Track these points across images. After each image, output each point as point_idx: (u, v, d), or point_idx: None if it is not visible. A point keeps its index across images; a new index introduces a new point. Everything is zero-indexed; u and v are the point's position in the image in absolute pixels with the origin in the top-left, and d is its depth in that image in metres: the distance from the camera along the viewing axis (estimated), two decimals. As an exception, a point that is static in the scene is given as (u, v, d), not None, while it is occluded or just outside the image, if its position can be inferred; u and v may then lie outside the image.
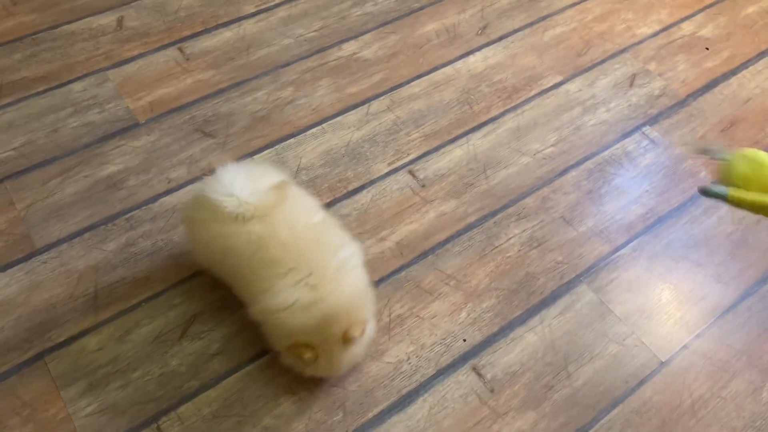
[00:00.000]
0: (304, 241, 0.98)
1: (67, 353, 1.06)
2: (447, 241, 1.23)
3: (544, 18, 1.64)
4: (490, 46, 1.57)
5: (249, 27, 1.56)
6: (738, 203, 0.84)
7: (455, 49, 1.55)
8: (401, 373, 1.08)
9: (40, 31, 1.51)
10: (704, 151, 0.93)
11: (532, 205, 1.29)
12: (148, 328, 1.09)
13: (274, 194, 1.00)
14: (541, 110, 1.45)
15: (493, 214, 1.27)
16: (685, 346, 1.13)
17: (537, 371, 1.09)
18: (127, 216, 1.22)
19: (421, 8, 1.63)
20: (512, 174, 1.34)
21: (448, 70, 1.51)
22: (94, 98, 1.40)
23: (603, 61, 1.56)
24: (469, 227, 1.25)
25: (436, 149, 1.36)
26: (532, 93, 1.48)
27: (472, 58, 1.54)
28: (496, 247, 1.23)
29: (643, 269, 1.22)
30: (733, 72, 1.56)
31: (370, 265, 1.16)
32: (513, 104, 1.45)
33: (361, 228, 1.23)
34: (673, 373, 1.10)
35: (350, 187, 1.29)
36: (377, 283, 1.16)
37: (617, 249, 1.24)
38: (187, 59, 1.48)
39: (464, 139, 1.38)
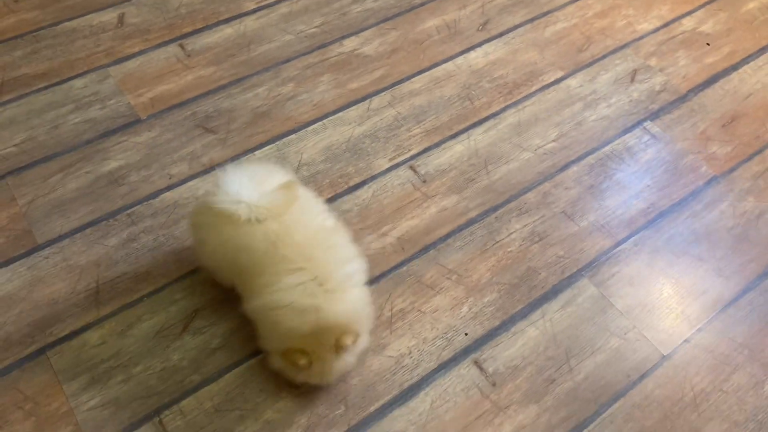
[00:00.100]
0: (316, 245, 0.98)
1: (69, 348, 1.06)
2: (448, 236, 1.23)
3: (544, 14, 1.64)
4: (491, 42, 1.57)
5: (250, 23, 1.56)
6: None
7: (456, 45, 1.55)
8: (403, 367, 1.08)
9: (41, 28, 1.51)
10: None
11: (533, 200, 1.29)
12: (149, 323, 1.10)
13: (284, 194, 1.00)
14: (542, 106, 1.45)
15: (495, 209, 1.27)
16: (686, 340, 1.13)
17: (538, 365, 1.09)
18: (128, 211, 1.23)
19: (422, 4, 1.63)
20: (513, 169, 1.34)
21: (449, 65, 1.51)
22: (95, 95, 1.40)
23: (604, 57, 1.56)
24: (471, 222, 1.25)
25: (437, 145, 1.36)
26: (533, 88, 1.48)
27: (473, 54, 1.54)
28: (498, 241, 1.23)
29: (645, 264, 1.22)
30: (734, 67, 1.56)
31: (372, 260, 1.16)
32: (514, 100, 1.45)
33: (362, 223, 1.24)
34: (675, 367, 1.10)
35: (351, 183, 1.29)
36: (379, 278, 1.16)
37: (618, 243, 1.24)
38: (188, 55, 1.48)
39: (465, 135, 1.38)
